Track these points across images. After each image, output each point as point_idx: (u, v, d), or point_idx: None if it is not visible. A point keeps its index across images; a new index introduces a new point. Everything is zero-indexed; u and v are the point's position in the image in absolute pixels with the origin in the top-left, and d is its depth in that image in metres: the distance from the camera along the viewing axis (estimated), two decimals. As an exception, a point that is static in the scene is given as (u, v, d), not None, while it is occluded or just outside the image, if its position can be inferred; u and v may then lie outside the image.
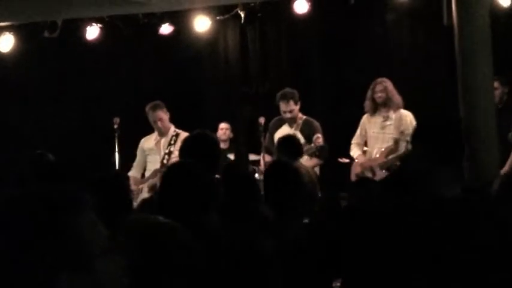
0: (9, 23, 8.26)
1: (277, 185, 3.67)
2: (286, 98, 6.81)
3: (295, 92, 6.88)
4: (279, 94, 6.91)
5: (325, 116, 7.57)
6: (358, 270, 2.59)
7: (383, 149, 6.68)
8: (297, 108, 6.84)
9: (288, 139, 6.05)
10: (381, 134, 6.73)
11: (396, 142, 6.63)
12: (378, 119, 6.75)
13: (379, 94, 6.67)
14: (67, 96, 8.72)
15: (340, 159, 7.07)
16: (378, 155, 6.68)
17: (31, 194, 1.46)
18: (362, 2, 7.82)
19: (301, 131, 6.81)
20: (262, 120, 6.96)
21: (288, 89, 6.92)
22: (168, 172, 3.21)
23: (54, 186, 1.50)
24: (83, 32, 8.44)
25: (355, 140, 6.94)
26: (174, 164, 3.60)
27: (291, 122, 6.88)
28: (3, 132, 8.61)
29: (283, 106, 6.82)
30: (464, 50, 5.66)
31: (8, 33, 8.40)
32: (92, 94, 8.65)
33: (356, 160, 6.83)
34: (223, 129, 8.31)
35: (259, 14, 8.37)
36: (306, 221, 3.70)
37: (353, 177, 6.61)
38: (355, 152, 6.90)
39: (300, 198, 3.58)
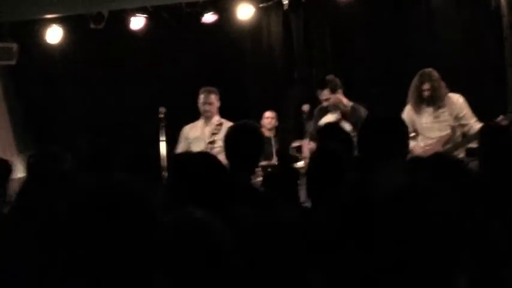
0: (57, 15, 8.40)
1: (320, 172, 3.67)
2: (321, 87, 6.76)
3: (334, 79, 6.78)
4: (319, 82, 6.88)
5: (370, 101, 7.49)
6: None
7: (440, 138, 6.45)
8: (336, 96, 6.75)
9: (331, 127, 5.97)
10: (436, 124, 6.51)
11: (453, 129, 6.46)
12: (427, 108, 6.55)
13: (427, 93, 6.46)
14: (113, 88, 8.83)
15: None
16: (434, 145, 6.42)
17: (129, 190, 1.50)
18: (407, -13, 7.72)
19: (348, 118, 6.74)
20: (306, 107, 6.93)
21: (329, 77, 6.84)
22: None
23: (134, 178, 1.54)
24: (128, 22, 8.53)
25: None
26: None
27: (336, 109, 6.82)
28: (52, 123, 8.79)
29: (319, 95, 6.79)
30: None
31: (55, 25, 8.55)
32: (137, 84, 8.75)
33: (413, 151, 6.42)
34: (269, 118, 8.30)
35: (302, 1, 8.33)
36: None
37: None
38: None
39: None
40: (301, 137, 7.28)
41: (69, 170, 3.70)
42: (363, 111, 6.72)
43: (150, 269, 1.48)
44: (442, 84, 6.49)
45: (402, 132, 3.29)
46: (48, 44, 8.67)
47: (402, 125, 3.38)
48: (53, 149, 3.69)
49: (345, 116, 6.77)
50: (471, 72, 7.69)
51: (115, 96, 8.76)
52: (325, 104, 6.77)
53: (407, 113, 6.66)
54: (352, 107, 6.81)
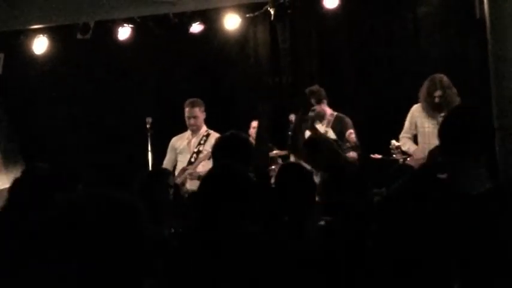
0: (43, 26, 8.39)
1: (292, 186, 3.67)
2: (307, 97, 6.81)
3: (319, 90, 6.84)
4: (304, 92, 6.92)
5: (355, 111, 7.53)
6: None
7: None
8: (321, 106, 6.81)
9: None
10: (437, 130, 6.46)
11: None
12: (435, 113, 6.45)
13: (438, 100, 6.37)
14: (99, 97, 8.82)
15: (372, 156, 7.03)
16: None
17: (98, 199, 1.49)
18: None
19: (333, 128, 6.79)
20: (292, 117, 6.97)
21: (314, 87, 6.91)
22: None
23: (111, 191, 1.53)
24: (115, 33, 8.53)
25: (404, 134, 6.66)
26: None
27: (321, 119, 6.87)
28: (34, 134, 8.76)
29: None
30: (496, 43, 5.60)
31: (42, 35, 8.54)
32: (124, 94, 8.75)
33: (413, 155, 6.48)
34: (256, 128, 8.30)
35: (289, 11, 8.36)
36: (322, 223, 3.66)
37: None
38: (409, 146, 6.57)
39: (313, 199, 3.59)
40: (284, 145, 7.29)
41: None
42: (347, 121, 6.76)
43: (137, 279, 1.48)
44: (454, 90, 6.42)
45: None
46: (35, 54, 8.65)
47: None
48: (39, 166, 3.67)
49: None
50: (456, 81, 7.74)
51: (102, 107, 8.75)
52: (310, 114, 6.81)
53: (413, 113, 6.60)
54: (337, 117, 6.85)
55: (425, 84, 6.51)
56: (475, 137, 2.61)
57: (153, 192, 4.06)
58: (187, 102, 6.97)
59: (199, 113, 6.95)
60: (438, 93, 6.39)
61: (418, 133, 6.62)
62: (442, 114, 6.36)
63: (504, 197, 2.49)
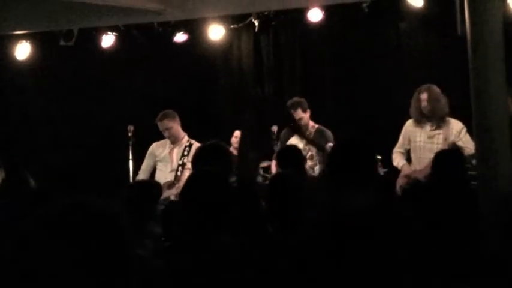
0: (26, 32, 8.36)
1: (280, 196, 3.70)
2: (294, 106, 6.93)
3: (303, 100, 6.98)
4: (288, 103, 7.00)
5: (337, 124, 7.57)
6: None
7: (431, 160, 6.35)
8: (306, 116, 6.91)
9: (287, 150, 5.98)
10: (428, 144, 6.38)
11: None
12: (426, 127, 6.47)
13: (424, 103, 6.39)
14: (82, 104, 8.79)
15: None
16: (424, 166, 6.15)
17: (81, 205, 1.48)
18: (375, 11, 7.82)
19: (313, 140, 6.84)
20: (275, 128, 7.02)
21: (295, 98, 7.02)
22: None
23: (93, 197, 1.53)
24: (98, 40, 8.52)
25: (397, 149, 6.63)
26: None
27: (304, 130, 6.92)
28: (19, 140, 8.70)
29: (293, 114, 6.93)
30: (477, 59, 5.64)
31: (24, 41, 8.51)
32: (106, 102, 8.72)
33: (402, 171, 6.47)
34: (238, 137, 8.31)
35: (273, 23, 8.41)
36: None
37: (398, 190, 6.00)
38: (399, 161, 6.56)
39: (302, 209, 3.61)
40: (268, 156, 7.33)
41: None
42: (328, 134, 6.80)
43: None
44: (443, 100, 6.42)
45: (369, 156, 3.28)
46: (17, 60, 8.61)
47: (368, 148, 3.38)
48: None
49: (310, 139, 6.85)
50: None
51: (84, 114, 8.71)
52: (300, 123, 6.90)
53: (406, 129, 6.60)
54: (318, 129, 6.90)
55: (414, 94, 6.55)
56: (355, 167, 2.91)
57: (142, 205, 3.95)
58: (157, 117, 6.89)
59: (171, 124, 6.85)
60: (424, 95, 6.40)
61: (411, 147, 6.61)
62: (433, 127, 6.40)
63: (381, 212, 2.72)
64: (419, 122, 6.52)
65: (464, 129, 6.22)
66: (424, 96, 6.43)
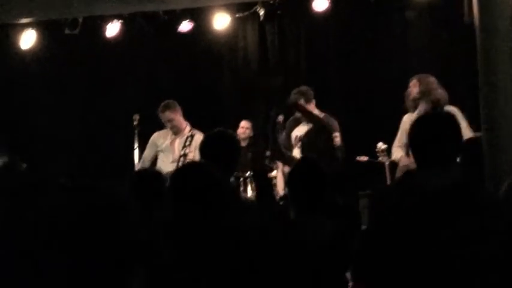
0: (31, 20, 8.33)
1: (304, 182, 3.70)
2: (296, 97, 6.79)
3: (308, 89, 6.81)
4: (292, 92, 6.90)
5: (342, 114, 7.53)
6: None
7: None
8: (309, 106, 6.79)
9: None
10: None
11: None
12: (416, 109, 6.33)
13: (410, 89, 6.32)
14: (87, 93, 8.78)
15: (358, 158, 7.04)
16: None
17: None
18: (382, 0, 7.80)
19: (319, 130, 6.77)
20: (281, 118, 6.96)
21: (302, 87, 6.87)
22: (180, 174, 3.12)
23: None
24: (103, 29, 8.49)
25: (396, 143, 6.55)
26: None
27: (308, 120, 6.84)
28: (24, 129, 8.70)
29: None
30: (485, 48, 5.60)
31: (30, 29, 8.48)
32: (111, 91, 8.71)
33: (399, 162, 6.39)
34: (244, 128, 8.27)
35: (278, 12, 8.39)
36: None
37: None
38: (397, 154, 6.49)
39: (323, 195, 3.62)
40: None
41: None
42: (333, 123, 6.74)
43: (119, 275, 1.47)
44: (438, 90, 6.31)
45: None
46: (22, 49, 8.59)
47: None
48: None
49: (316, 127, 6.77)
50: (444, 85, 7.77)
51: (89, 103, 8.71)
52: (298, 114, 6.79)
53: (404, 121, 6.50)
54: (324, 118, 6.84)
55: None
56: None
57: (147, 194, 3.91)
58: (159, 109, 6.85)
59: (173, 115, 6.81)
60: (414, 81, 6.29)
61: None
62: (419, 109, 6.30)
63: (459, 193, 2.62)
64: (413, 113, 6.42)
65: (461, 116, 6.15)
66: (413, 83, 6.34)
